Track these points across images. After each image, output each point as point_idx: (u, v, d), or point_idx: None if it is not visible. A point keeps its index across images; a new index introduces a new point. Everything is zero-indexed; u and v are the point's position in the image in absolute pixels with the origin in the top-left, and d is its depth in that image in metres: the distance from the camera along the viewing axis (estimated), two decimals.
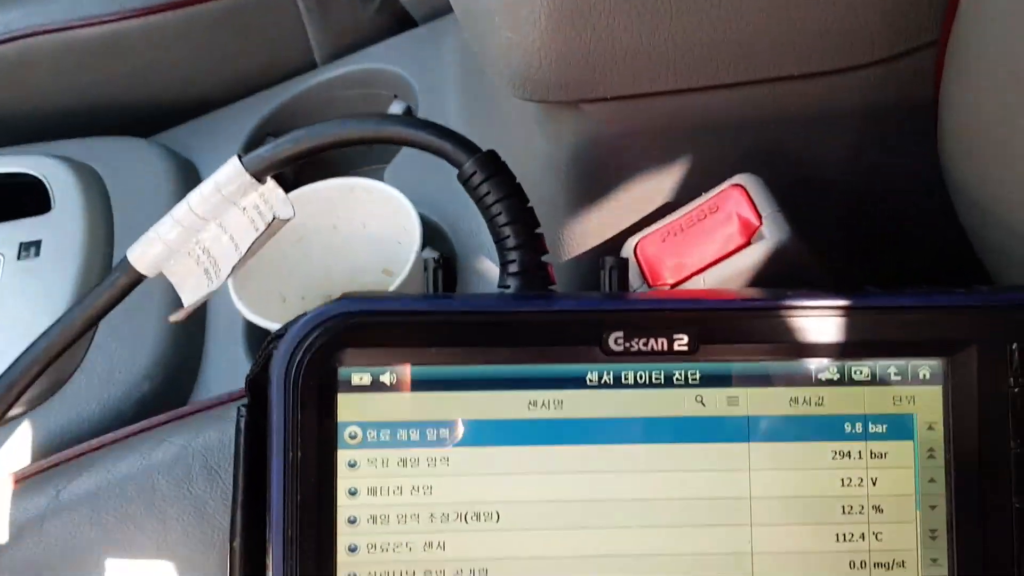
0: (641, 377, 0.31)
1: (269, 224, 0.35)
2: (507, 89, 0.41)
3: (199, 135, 0.64)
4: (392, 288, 0.45)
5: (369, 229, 0.50)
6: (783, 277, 0.37)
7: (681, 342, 0.31)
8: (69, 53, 0.63)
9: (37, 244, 0.54)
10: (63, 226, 0.54)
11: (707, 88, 0.39)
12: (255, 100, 0.66)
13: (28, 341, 0.44)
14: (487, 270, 0.51)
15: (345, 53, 0.68)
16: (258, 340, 0.50)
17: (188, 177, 0.60)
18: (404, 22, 0.70)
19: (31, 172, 0.57)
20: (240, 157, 0.35)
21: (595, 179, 0.42)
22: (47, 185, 0.56)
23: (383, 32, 0.69)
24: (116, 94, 0.65)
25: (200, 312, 0.52)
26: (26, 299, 0.50)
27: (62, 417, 0.45)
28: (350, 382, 0.30)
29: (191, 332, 0.51)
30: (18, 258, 0.53)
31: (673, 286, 0.37)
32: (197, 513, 0.34)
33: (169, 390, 0.48)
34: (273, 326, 0.45)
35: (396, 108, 0.65)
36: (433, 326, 0.31)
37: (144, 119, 0.66)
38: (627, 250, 0.39)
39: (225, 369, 0.49)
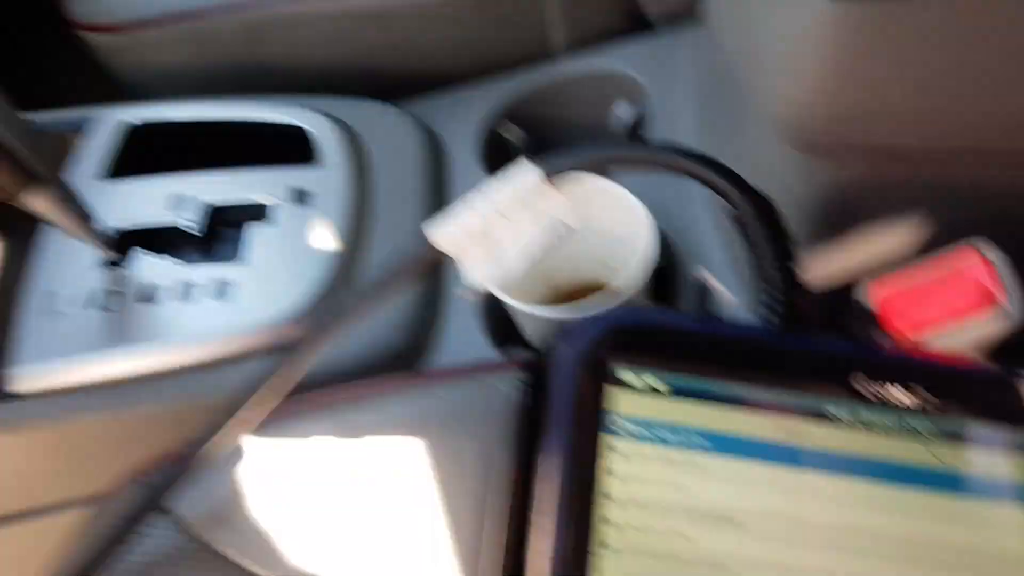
0: (879, 420, 0.35)
1: (555, 229, 0.39)
2: (770, 134, 0.44)
3: (439, 109, 0.69)
4: (615, 285, 0.49)
5: (601, 226, 0.54)
6: (1010, 348, 0.40)
7: (920, 395, 0.34)
8: (344, 19, 0.68)
9: (306, 193, 0.57)
10: (329, 178, 0.58)
11: (964, 150, 0.41)
12: (491, 83, 0.71)
13: (302, 286, 0.49)
14: (701, 280, 0.54)
15: (578, 46, 0.72)
16: (488, 310, 0.56)
17: (435, 147, 0.64)
18: (637, 20, 0.73)
19: (301, 124, 0.61)
20: (539, 164, 0.39)
21: (839, 222, 0.45)
22: (315, 139, 0.60)
23: (615, 29, 0.73)
24: (375, 60, 0.71)
25: (443, 280, 0.58)
26: (301, 243, 0.54)
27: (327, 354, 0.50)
28: (624, 381, 0.35)
29: (434, 295, 0.56)
30: (293, 203, 0.56)
31: (907, 337, 0.40)
32: (459, 461, 0.39)
33: (413, 344, 0.53)
34: (508, 299, 0.50)
35: (623, 112, 0.69)
36: (702, 345, 0.35)
37: (389, 87, 0.71)
38: (862, 293, 0.42)
39: (460, 333, 0.55)
